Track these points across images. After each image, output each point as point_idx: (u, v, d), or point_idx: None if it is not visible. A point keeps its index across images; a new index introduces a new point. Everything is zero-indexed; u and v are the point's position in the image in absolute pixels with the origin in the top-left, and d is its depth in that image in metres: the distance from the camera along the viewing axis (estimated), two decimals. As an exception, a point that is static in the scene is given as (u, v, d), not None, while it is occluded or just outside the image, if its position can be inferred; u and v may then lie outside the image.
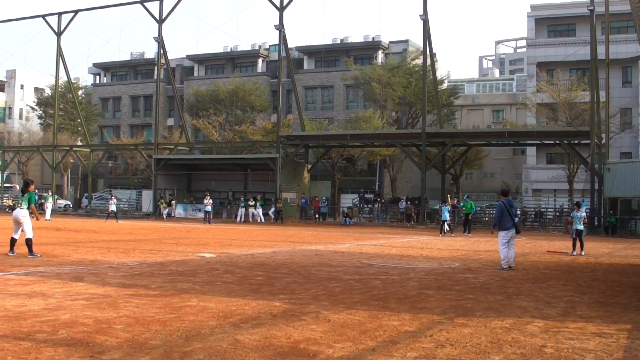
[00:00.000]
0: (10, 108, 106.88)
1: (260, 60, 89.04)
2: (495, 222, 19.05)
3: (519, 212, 29.86)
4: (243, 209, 54.85)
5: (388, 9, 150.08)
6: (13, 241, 19.32)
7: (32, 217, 19.32)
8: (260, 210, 54.30)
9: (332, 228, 46.61)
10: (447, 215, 40.34)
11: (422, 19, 53.10)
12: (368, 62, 76.62)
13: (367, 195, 63.05)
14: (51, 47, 69.78)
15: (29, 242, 18.98)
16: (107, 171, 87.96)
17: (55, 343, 7.80)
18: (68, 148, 74.61)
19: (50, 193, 62.56)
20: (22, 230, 19.06)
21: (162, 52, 65.03)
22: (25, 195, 19.36)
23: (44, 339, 8.02)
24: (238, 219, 54.12)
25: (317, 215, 58.55)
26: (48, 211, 49.62)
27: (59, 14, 69.31)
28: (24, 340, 7.87)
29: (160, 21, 62.83)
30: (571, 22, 70.71)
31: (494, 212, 19.98)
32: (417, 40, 67.27)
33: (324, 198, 59.83)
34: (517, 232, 19.19)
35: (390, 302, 11.77)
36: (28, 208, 19.16)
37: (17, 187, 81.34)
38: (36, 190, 69.18)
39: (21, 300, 10.95)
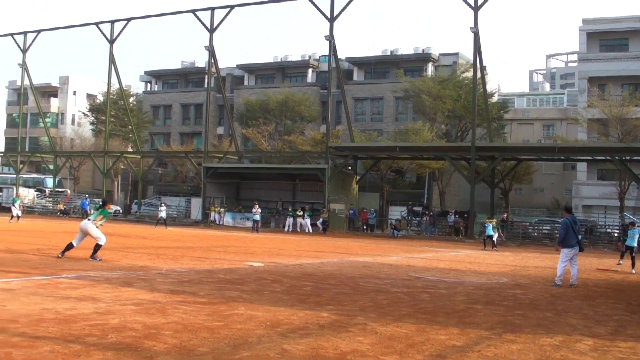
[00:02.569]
0: (62, 114, 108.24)
1: (310, 70, 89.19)
2: (561, 239, 18.79)
3: (582, 229, 29.66)
4: (291, 219, 54.99)
5: (439, 22, 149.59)
6: (70, 246, 19.79)
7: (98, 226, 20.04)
8: (308, 221, 54.36)
9: (379, 240, 46.48)
10: (491, 231, 39.85)
11: (472, 32, 52.79)
12: (418, 74, 76.35)
13: (415, 208, 62.77)
14: (104, 55, 70.64)
15: (97, 247, 19.77)
16: (157, 178, 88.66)
17: (105, 347, 7.90)
18: (119, 154, 75.35)
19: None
20: (93, 238, 19.88)
21: (212, 61, 65.46)
22: (100, 210, 20.40)
23: (94, 342, 8.13)
24: (286, 229, 54.25)
25: (365, 227, 58.37)
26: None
27: (112, 22, 70.11)
28: (74, 343, 7.99)
29: (211, 30, 63.26)
30: (623, 37, 69.69)
31: (559, 229, 19.68)
32: (468, 53, 66.80)
33: (372, 210, 59.66)
34: (581, 249, 19.03)
35: (438, 316, 11.72)
36: (95, 220, 19.94)
37: (69, 192, 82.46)
38: (87, 196, 70.13)
39: (72, 303, 11.10)
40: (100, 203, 21.92)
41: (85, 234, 19.80)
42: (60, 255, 19.45)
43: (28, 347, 7.62)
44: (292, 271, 19.09)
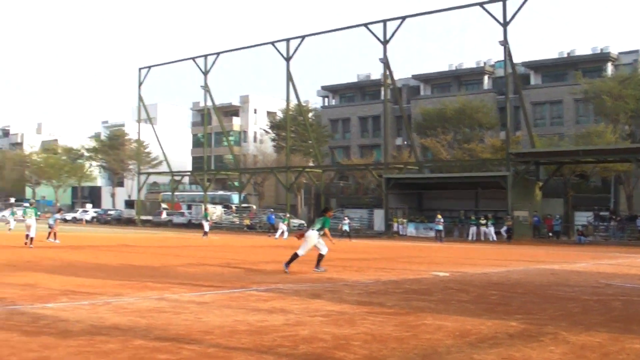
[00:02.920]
0: (244, 132, 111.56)
1: (486, 77, 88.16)
2: None
3: None
4: (475, 227, 54.50)
5: (617, 19, 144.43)
6: (295, 256, 19.99)
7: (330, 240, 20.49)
8: (492, 229, 53.72)
9: (566, 247, 45.33)
10: None
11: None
12: (597, 74, 73.97)
13: (602, 213, 60.83)
14: (281, 72, 72.18)
15: (321, 257, 20.18)
16: (338, 191, 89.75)
17: (296, 357, 8.03)
18: (301, 169, 76.76)
19: (287, 215, 64.47)
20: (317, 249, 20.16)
21: (387, 72, 65.77)
22: (321, 218, 20.45)
23: (285, 353, 8.28)
24: (470, 238, 53.80)
25: (550, 234, 57.10)
26: (285, 232, 51.42)
27: (287, 40, 71.59)
28: (266, 354, 8.16)
29: (385, 42, 63.56)
30: None
31: None
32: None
33: (557, 216, 58.27)
34: None
35: (632, 325, 11.27)
36: (320, 230, 20.06)
37: (254, 207, 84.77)
38: (272, 210, 71.75)
39: (262, 315, 11.36)
40: (321, 210, 22.18)
41: (310, 244, 20.02)
42: (285, 270, 19.71)
43: (223, 358, 7.85)
44: (478, 280, 18.87)
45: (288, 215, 65.15)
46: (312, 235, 19.97)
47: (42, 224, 37.81)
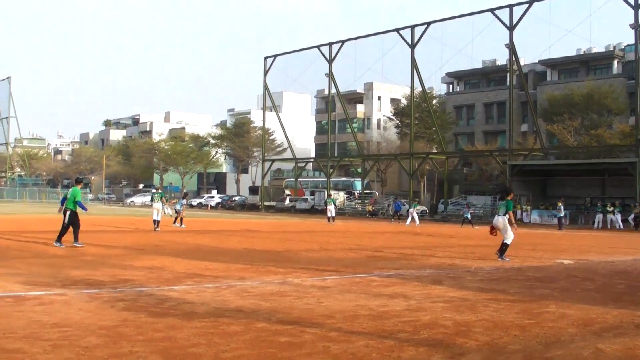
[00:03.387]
0: (369, 119, 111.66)
1: (615, 61, 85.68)
2: None
3: None
4: (601, 215, 53.21)
5: None
6: (505, 246, 20.11)
7: (512, 225, 20.08)
8: (619, 217, 52.35)
9: (699, 236, 43.76)
10: None
11: None
12: None
13: None
14: (405, 59, 71.85)
15: (505, 247, 19.98)
16: (462, 177, 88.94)
17: (417, 343, 8.04)
18: (424, 156, 76.36)
19: (416, 201, 64.18)
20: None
21: (513, 58, 64.72)
22: (503, 202, 20.34)
23: (406, 338, 8.31)
24: (595, 225, 52.55)
25: (682, 223, 55.22)
26: (416, 219, 51.28)
27: (412, 27, 71.14)
28: (387, 339, 8.20)
29: (511, 28, 62.51)
30: None
31: None
32: None
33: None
34: None
35: None
36: (506, 214, 19.90)
37: (377, 193, 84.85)
38: (399, 196, 71.61)
39: (384, 300, 11.42)
40: (502, 193, 21.84)
41: (498, 229, 20.08)
42: (501, 258, 19.81)
43: (344, 342, 7.93)
44: (604, 269, 18.44)
45: (417, 200, 64.69)
46: (501, 220, 19.89)
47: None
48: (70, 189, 21.86)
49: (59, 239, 20.85)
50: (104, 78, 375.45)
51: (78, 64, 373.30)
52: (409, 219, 51.31)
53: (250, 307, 10.24)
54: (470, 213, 52.83)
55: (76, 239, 21.01)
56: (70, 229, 21.07)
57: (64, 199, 21.78)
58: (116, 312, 9.56)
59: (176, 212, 38.64)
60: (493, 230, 20.33)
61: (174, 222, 37.59)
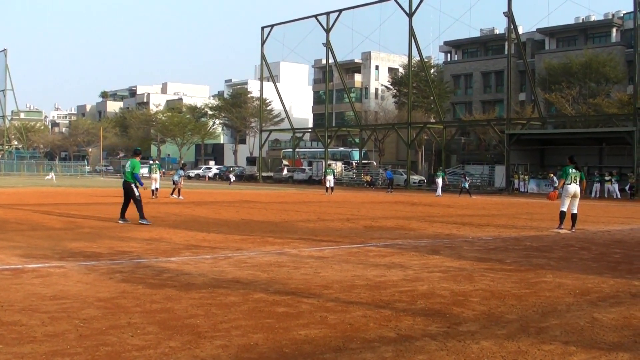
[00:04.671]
0: (366, 88, 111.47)
1: (614, 29, 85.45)
2: None
3: None
4: (598, 184, 53.28)
5: None
6: (562, 214, 20.37)
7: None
8: (616, 186, 52.44)
9: (696, 204, 43.86)
10: None
11: None
12: None
13: None
14: (403, 28, 71.67)
15: (574, 217, 20.41)
16: (459, 147, 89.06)
17: (414, 312, 8.08)
18: (422, 125, 76.37)
19: (441, 169, 64.26)
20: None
21: (512, 27, 64.52)
22: (578, 171, 20.44)
23: (403, 308, 8.34)
24: (592, 195, 52.62)
25: (680, 192, 55.34)
26: (439, 188, 51.41)
27: (411, -4, 70.97)
28: (384, 309, 8.24)
29: (510, -5, 62.33)
30: None
31: None
32: None
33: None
34: None
35: None
36: (580, 184, 20.33)
37: (374, 163, 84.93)
38: (390, 167, 71.60)
39: (381, 270, 11.46)
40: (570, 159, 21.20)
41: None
42: (560, 229, 20.15)
43: (341, 312, 7.96)
44: (600, 238, 18.49)
45: (441, 169, 64.71)
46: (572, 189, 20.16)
47: (166, 181, 38.89)
48: (129, 161, 20.51)
49: (122, 215, 20.17)
50: (100, 49, 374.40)
51: (74, 36, 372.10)
52: (439, 189, 51.37)
53: (247, 278, 10.27)
54: (468, 183, 52.92)
55: (141, 215, 19.71)
56: (132, 203, 20.06)
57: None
58: (114, 284, 9.58)
59: (173, 182, 38.15)
60: (556, 196, 21.13)
61: (171, 194, 37.23)
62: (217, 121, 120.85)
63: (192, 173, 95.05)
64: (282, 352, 6.22)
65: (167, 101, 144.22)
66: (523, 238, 17.95)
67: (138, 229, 18.07)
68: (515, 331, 7.23)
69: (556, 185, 44.05)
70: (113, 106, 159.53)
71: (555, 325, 7.55)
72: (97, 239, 15.46)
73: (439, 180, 52.17)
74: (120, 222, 19.80)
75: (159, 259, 12.50)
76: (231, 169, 58.37)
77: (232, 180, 70.78)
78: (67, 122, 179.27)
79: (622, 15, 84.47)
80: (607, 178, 53.20)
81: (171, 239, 15.91)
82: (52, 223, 19.78)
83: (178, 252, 13.51)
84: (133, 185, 19.95)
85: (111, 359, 5.91)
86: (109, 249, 13.76)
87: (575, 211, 20.31)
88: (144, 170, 35.96)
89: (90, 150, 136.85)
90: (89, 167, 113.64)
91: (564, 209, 20.16)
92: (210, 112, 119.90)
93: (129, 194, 20.00)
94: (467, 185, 51.80)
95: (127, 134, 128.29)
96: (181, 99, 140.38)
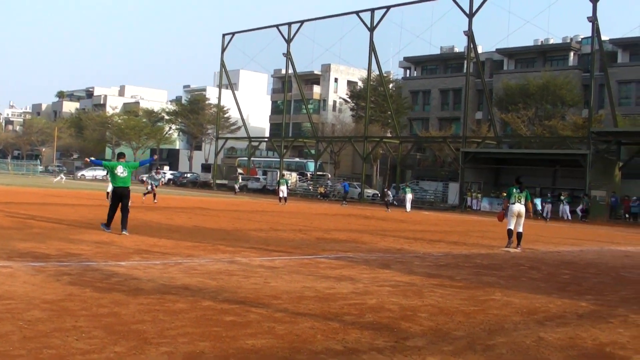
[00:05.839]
0: (324, 100, 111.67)
1: (572, 53, 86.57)
2: None
3: None
4: (549, 205, 53.83)
5: None
6: (509, 232, 20.76)
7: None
8: (567, 207, 53.00)
9: (644, 229, 44.51)
10: None
11: None
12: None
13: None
14: (364, 42, 72.06)
15: (519, 236, 20.78)
16: (415, 163, 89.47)
17: (362, 326, 8.07)
18: (378, 139, 76.63)
19: (407, 184, 64.36)
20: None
21: (471, 46, 65.07)
22: (523, 192, 20.74)
23: (351, 321, 8.34)
24: (544, 215, 53.12)
25: (627, 216, 56.08)
26: (409, 203, 51.29)
27: (372, 10, 71.26)
28: (332, 321, 8.23)
29: (470, 15, 62.83)
30: None
31: None
32: None
33: (635, 197, 57.16)
34: None
35: None
36: (526, 204, 20.71)
37: (329, 175, 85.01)
38: (344, 179, 71.70)
39: (331, 282, 11.45)
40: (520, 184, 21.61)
41: (520, 217, 20.69)
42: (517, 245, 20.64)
43: (289, 323, 7.94)
44: (550, 258, 18.68)
45: (408, 183, 64.79)
46: (522, 209, 20.66)
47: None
48: (119, 166, 18.58)
49: (109, 223, 18.47)
50: (59, 48, 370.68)
51: (33, 33, 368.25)
52: (408, 205, 51.14)
53: (197, 285, 10.22)
54: (392, 196, 53.54)
55: (126, 225, 18.17)
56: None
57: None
58: (61, 286, 9.47)
59: (150, 187, 38.39)
60: (503, 217, 21.25)
61: (154, 199, 37.70)
62: (174, 126, 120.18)
63: (144, 177, 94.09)
64: (228, 361, 6.20)
65: (124, 104, 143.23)
66: (474, 255, 18.07)
67: (88, 232, 17.90)
68: (462, 348, 7.26)
69: (538, 208, 44.79)
70: (69, 106, 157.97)
71: (502, 343, 7.60)
72: (46, 240, 15.29)
73: (409, 196, 51.95)
74: (106, 230, 18.22)
75: (109, 262, 12.39)
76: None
77: (237, 190, 70.45)
78: (22, 120, 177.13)
79: (580, 39, 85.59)
80: (562, 197, 53.82)
81: (122, 243, 15.78)
82: (2, 222, 19.52)
83: (128, 256, 13.40)
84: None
85: (54, 362, 5.84)
86: (58, 250, 13.61)
87: (520, 230, 20.62)
88: (97, 173, 35.57)
89: (43, 150, 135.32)
90: (41, 167, 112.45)
91: (511, 227, 20.52)
92: (167, 117, 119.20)
93: (123, 200, 18.45)
94: (391, 199, 52.13)
95: (82, 135, 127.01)
96: (138, 103, 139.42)
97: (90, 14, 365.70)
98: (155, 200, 37.18)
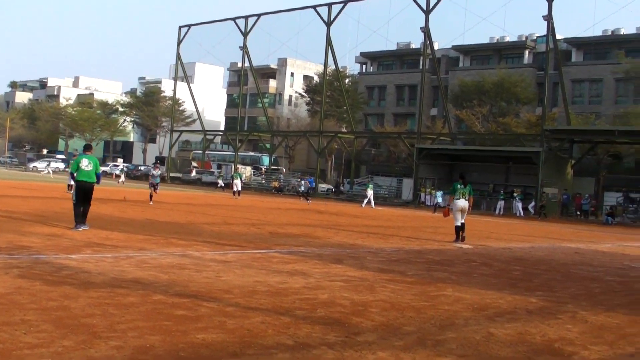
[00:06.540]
0: (280, 94, 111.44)
1: (527, 51, 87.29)
2: None
3: None
4: (503, 202, 54.32)
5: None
6: (457, 228, 21.38)
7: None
8: (519, 204, 53.49)
9: (593, 226, 45.02)
10: None
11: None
12: (640, 54, 73.05)
13: (632, 195, 60.33)
14: (321, 37, 72.09)
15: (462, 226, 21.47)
16: (369, 158, 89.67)
17: (313, 321, 8.08)
18: (333, 134, 76.70)
19: (369, 180, 64.34)
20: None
21: (428, 42, 65.35)
22: (467, 187, 21.41)
23: (303, 315, 8.34)
24: (497, 212, 53.59)
25: (578, 213, 56.78)
26: (372, 200, 50.99)
27: (329, 5, 71.24)
28: (284, 316, 8.22)
29: (427, 12, 63.11)
30: None
31: None
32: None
33: (587, 195, 57.88)
34: None
35: (654, 307, 11.23)
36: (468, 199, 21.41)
37: (284, 169, 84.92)
38: (310, 175, 71.68)
39: (283, 277, 11.45)
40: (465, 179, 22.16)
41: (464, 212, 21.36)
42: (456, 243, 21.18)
43: (241, 317, 7.91)
44: (502, 255, 18.84)
45: (370, 179, 64.80)
46: (467, 205, 21.35)
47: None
48: (84, 158, 17.69)
49: (83, 221, 17.48)
50: (11, 38, 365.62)
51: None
52: (365, 201, 50.73)
53: (148, 279, 10.15)
54: (305, 186, 53.61)
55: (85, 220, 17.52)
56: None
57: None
58: (10, 279, 9.35)
59: (153, 187, 34.28)
60: (449, 213, 21.73)
61: (150, 200, 33.21)
62: (128, 119, 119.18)
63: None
64: (178, 356, 6.15)
65: (79, 95, 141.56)
66: (426, 251, 18.16)
67: (39, 225, 17.71)
68: (412, 343, 7.29)
69: (438, 200, 45.60)
70: (22, 97, 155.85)
71: (452, 338, 7.64)
72: (-5, 232, 15.10)
73: (370, 192, 51.54)
74: (80, 229, 16.98)
75: (59, 255, 12.26)
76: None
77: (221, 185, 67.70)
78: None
79: (535, 38, 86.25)
80: (515, 194, 54.30)
81: (73, 235, 15.64)
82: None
83: (79, 249, 13.27)
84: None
85: (1, 357, 5.76)
86: (7, 243, 13.44)
87: (462, 221, 21.29)
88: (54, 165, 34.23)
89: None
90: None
91: (458, 223, 20.95)
92: (121, 109, 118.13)
93: (87, 196, 17.61)
94: (303, 188, 52.28)
95: (35, 126, 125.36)
96: (92, 94, 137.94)
97: (45, 3, 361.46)
98: (152, 202, 32.66)
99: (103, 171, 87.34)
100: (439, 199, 50.60)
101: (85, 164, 17.51)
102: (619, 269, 17.24)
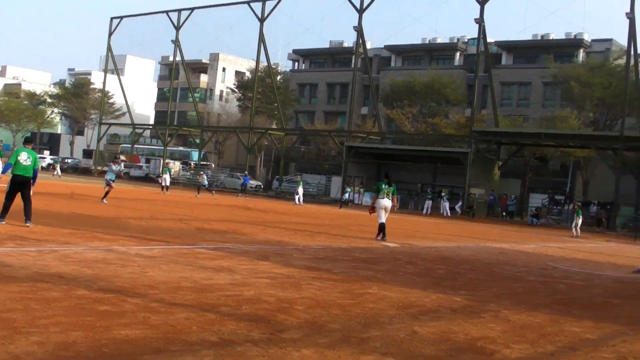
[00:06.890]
0: (211, 90, 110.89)
1: (457, 53, 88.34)
2: None
3: None
4: (430, 202, 54.85)
5: (592, 6, 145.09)
6: (381, 226, 21.49)
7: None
8: (446, 204, 54.07)
9: (518, 227, 45.78)
10: None
11: (628, 17, 51.10)
12: (568, 60, 74.41)
13: (557, 197, 61.47)
14: (253, 33, 71.98)
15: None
16: (299, 155, 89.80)
17: (238, 317, 8.06)
18: (263, 131, 76.68)
19: (298, 178, 64.35)
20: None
21: (360, 41, 65.66)
22: (391, 187, 21.74)
23: (228, 312, 8.31)
24: (424, 211, 54.09)
25: (504, 213, 57.64)
26: (301, 198, 51.10)
27: (263, 1, 71.21)
28: (209, 312, 8.19)
29: (361, 11, 63.42)
30: None
31: None
32: (622, 40, 64.43)
33: (513, 196, 58.79)
34: None
35: (573, 308, 11.42)
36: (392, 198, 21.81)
37: (213, 165, 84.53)
38: (245, 173, 71.37)
39: (209, 273, 11.39)
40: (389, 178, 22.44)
41: (386, 211, 21.70)
42: (378, 239, 21.58)
43: (165, 313, 7.86)
44: (427, 254, 19.03)
45: (299, 178, 64.86)
46: (388, 204, 21.68)
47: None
48: (24, 152, 16.93)
49: (4, 215, 16.68)
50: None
51: None
52: (297, 198, 50.56)
53: (71, 274, 10.01)
54: (209, 181, 53.86)
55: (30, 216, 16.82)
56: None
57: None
58: None
59: (107, 183, 30.30)
60: (374, 210, 21.87)
61: (103, 199, 29.68)
62: (56, 110, 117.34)
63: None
64: (100, 352, 6.08)
65: (5, 85, 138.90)
66: (352, 249, 18.25)
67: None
68: (337, 341, 7.32)
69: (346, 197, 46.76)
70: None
71: (377, 336, 7.69)
72: None
73: (300, 190, 51.63)
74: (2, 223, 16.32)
75: (-20, 248, 12.04)
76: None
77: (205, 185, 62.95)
78: None
79: (466, 40, 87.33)
80: (443, 194, 54.87)
81: (-5, 228, 15.34)
82: None
83: (1, 242, 13.02)
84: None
85: None
86: None
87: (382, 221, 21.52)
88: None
89: None
90: None
91: (382, 220, 21.19)
92: (49, 100, 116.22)
93: (23, 190, 16.84)
94: (206, 183, 52.33)
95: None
96: (20, 84, 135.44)
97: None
98: (106, 201, 29.43)
99: (48, 164, 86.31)
100: (347, 196, 54.12)
101: (24, 157, 16.73)
102: (541, 269, 17.55)
